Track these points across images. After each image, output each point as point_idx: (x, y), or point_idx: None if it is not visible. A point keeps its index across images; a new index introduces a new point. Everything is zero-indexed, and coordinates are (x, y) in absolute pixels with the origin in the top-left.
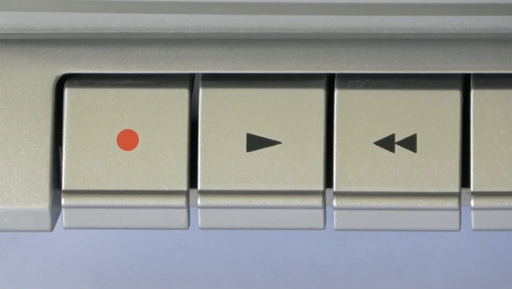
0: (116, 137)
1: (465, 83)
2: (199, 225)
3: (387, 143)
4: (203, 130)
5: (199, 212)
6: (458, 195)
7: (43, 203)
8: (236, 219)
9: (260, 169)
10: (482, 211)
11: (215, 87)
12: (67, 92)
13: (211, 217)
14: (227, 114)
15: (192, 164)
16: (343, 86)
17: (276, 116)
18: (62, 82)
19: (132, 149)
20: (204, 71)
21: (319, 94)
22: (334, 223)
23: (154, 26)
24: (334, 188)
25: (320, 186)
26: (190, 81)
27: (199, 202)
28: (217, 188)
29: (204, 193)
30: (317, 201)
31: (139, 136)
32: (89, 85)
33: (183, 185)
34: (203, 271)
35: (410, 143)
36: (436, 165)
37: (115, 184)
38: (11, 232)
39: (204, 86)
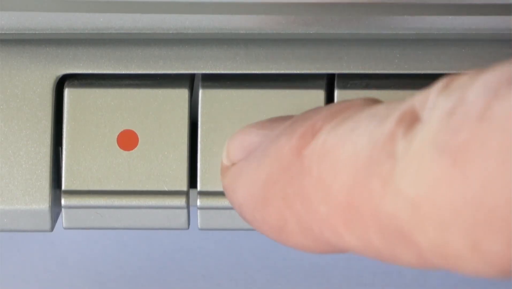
0: (116, 137)
1: None
2: (199, 226)
3: None
4: (203, 130)
5: (198, 213)
6: None
7: (43, 203)
8: (236, 219)
9: None
10: None
11: (215, 88)
12: (67, 92)
13: (210, 218)
14: (227, 115)
15: (192, 164)
16: (343, 87)
17: (275, 115)
18: (62, 82)
19: (132, 149)
20: (204, 71)
21: (319, 95)
22: None
23: (154, 26)
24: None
25: None
26: (190, 81)
27: (198, 203)
28: (217, 189)
29: (204, 194)
30: None
31: (139, 136)
32: (89, 85)
33: (183, 185)
34: (203, 271)
35: None
36: None
37: (115, 184)
38: (11, 232)
39: (204, 87)
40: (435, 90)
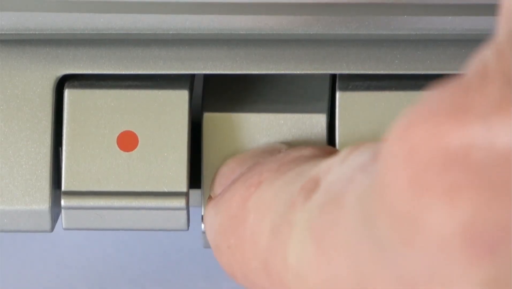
0: (116, 138)
1: None
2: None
3: None
4: (206, 155)
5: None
6: None
7: (43, 204)
8: None
9: None
10: None
11: (217, 112)
12: (67, 93)
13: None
14: (230, 138)
15: (192, 165)
16: (345, 88)
17: (277, 139)
18: (62, 83)
19: (132, 150)
20: (204, 72)
21: (321, 118)
22: None
23: (154, 26)
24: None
25: None
26: (190, 82)
27: (203, 227)
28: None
29: None
30: None
31: (139, 137)
32: (89, 86)
33: (182, 186)
34: (203, 271)
35: None
36: None
37: (115, 185)
38: (11, 232)
39: (207, 110)
40: (337, 159)
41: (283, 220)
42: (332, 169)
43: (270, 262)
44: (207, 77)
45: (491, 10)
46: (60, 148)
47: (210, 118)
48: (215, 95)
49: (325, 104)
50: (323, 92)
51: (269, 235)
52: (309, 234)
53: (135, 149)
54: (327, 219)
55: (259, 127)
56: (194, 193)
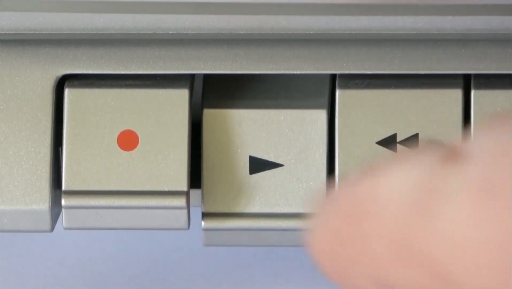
0: (116, 137)
1: (466, 83)
2: (203, 244)
3: (389, 142)
4: (207, 153)
5: (203, 233)
6: None
7: (43, 204)
8: (242, 238)
9: (264, 194)
10: None
11: (217, 108)
12: (67, 92)
13: (215, 238)
14: (228, 134)
15: (193, 165)
16: (345, 86)
17: (277, 135)
18: (62, 83)
19: (132, 149)
20: (204, 71)
21: (321, 114)
22: None
23: (154, 26)
24: (336, 188)
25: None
26: (190, 82)
27: (203, 224)
28: (221, 210)
29: (209, 215)
30: None
31: (139, 137)
32: (89, 85)
33: (183, 185)
34: (203, 271)
35: (412, 142)
36: None
37: (115, 185)
38: (11, 232)
39: (206, 106)
40: (480, 128)
41: (421, 193)
42: (476, 138)
43: (406, 239)
44: (207, 74)
45: (491, 10)
46: (60, 148)
47: (210, 115)
48: (215, 91)
49: (325, 100)
50: (323, 88)
51: (404, 212)
52: (478, 196)
53: (136, 148)
54: (499, 178)
55: (259, 123)
56: (194, 193)
